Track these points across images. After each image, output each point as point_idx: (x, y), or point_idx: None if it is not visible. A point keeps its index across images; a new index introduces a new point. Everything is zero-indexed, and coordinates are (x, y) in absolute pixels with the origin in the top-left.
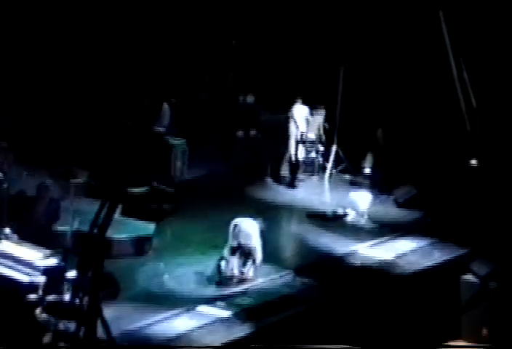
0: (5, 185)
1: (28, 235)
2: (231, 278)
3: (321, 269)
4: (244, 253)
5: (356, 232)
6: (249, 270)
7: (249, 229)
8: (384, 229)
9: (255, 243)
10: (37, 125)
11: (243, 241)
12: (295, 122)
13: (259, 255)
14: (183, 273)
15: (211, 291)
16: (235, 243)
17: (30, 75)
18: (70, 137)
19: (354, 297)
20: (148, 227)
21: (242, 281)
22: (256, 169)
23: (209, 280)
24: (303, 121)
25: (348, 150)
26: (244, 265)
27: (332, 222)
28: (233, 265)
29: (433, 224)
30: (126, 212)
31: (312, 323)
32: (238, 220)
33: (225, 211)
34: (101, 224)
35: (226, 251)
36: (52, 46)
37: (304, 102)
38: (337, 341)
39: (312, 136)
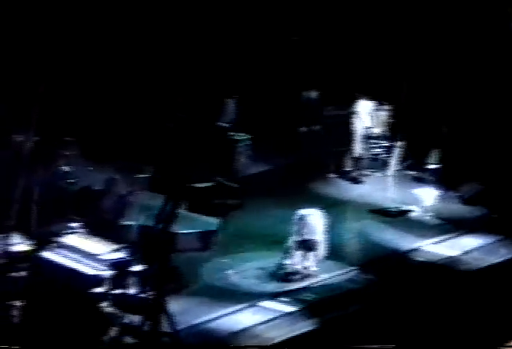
0: (72, 180)
1: (94, 229)
2: (295, 273)
3: (385, 265)
4: (308, 247)
5: (421, 228)
6: (312, 265)
7: (314, 222)
8: (449, 226)
9: (319, 237)
10: (103, 120)
11: (307, 236)
12: (360, 118)
13: (322, 249)
14: (247, 268)
15: (274, 286)
16: (299, 238)
17: (97, 71)
18: (136, 132)
19: (418, 294)
20: (213, 222)
21: (305, 276)
22: (320, 165)
23: (273, 275)
24: (368, 117)
25: (413, 146)
26: (308, 259)
27: (396, 218)
28: (296, 260)
29: (498, 221)
30: (191, 207)
31: (375, 319)
32: (303, 212)
33: (289, 206)
34: (166, 219)
35: (290, 246)
36: (120, 41)
37: (368, 98)
38: (400, 338)
39: (376, 131)
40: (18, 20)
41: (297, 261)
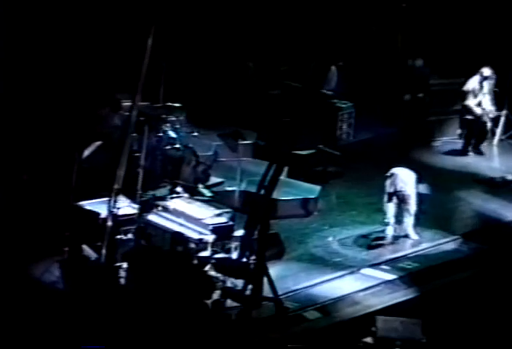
0: (177, 146)
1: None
2: (395, 241)
3: (489, 235)
4: (400, 199)
5: None
6: (414, 234)
7: (405, 177)
8: None
9: (411, 191)
10: (208, 86)
11: (399, 187)
12: (467, 88)
13: (413, 205)
14: (348, 236)
15: (375, 254)
16: (391, 189)
17: (204, 39)
18: (241, 99)
19: None
20: (314, 189)
21: (406, 244)
22: (424, 134)
23: (374, 243)
24: (475, 86)
25: None
26: (404, 222)
27: (500, 188)
28: (396, 228)
29: None
30: (293, 174)
31: (478, 289)
32: (394, 170)
33: None
34: (268, 185)
35: (385, 205)
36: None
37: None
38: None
39: (484, 101)
40: None
41: (397, 229)
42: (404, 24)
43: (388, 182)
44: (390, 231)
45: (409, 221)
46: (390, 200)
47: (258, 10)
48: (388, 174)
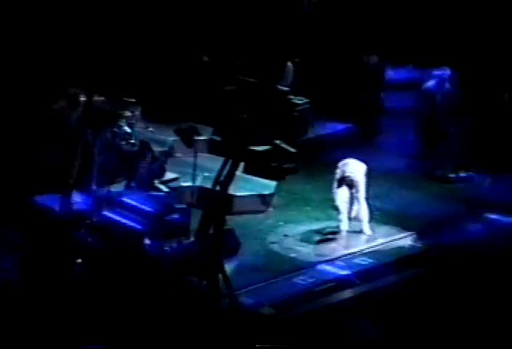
0: (132, 141)
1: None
2: (349, 236)
3: (441, 232)
4: (348, 185)
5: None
6: (364, 224)
7: (355, 166)
8: None
9: (360, 178)
10: (163, 81)
11: (347, 173)
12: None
13: (363, 191)
14: (303, 231)
15: (329, 250)
16: (339, 175)
17: (156, 32)
18: (196, 94)
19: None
20: (269, 185)
21: (361, 240)
22: (379, 130)
23: (328, 238)
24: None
25: None
26: (351, 200)
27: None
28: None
29: None
30: (248, 170)
31: (433, 285)
32: (346, 160)
33: None
34: (223, 180)
35: (334, 192)
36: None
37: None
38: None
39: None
40: None
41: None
42: (360, 19)
43: (338, 170)
44: (344, 226)
45: (364, 217)
46: (339, 186)
47: (213, 2)
48: (339, 163)
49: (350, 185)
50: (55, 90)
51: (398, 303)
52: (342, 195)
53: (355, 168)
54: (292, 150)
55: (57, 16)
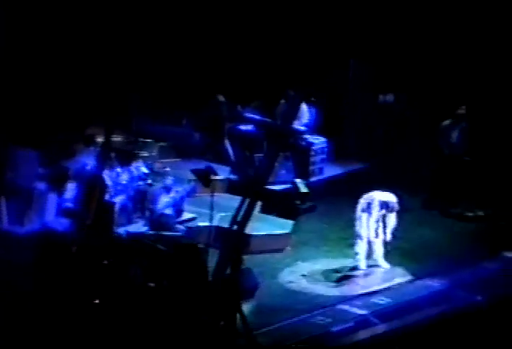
0: (149, 181)
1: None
2: (367, 276)
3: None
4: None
5: None
6: (379, 258)
7: (390, 197)
8: None
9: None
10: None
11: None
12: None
13: (393, 221)
14: (320, 271)
15: (347, 289)
16: (369, 200)
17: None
18: (211, 135)
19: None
20: (287, 224)
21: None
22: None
23: (346, 278)
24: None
25: None
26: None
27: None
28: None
29: None
30: (266, 209)
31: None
32: (371, 194)
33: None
34: (241, 220)
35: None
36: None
37: None
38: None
39: None
40: None
41: (368, 262)
42: (377, 59)
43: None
44: (362, 265)
45: (378, 251)
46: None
47: (229, 44)
48: (362, 200)
49: (390, 210)
50: (76, 131)
51: (417, 343)
52: (365, 221)
53: (388, 197)
54: (306, 191)
55: (75, 56)
